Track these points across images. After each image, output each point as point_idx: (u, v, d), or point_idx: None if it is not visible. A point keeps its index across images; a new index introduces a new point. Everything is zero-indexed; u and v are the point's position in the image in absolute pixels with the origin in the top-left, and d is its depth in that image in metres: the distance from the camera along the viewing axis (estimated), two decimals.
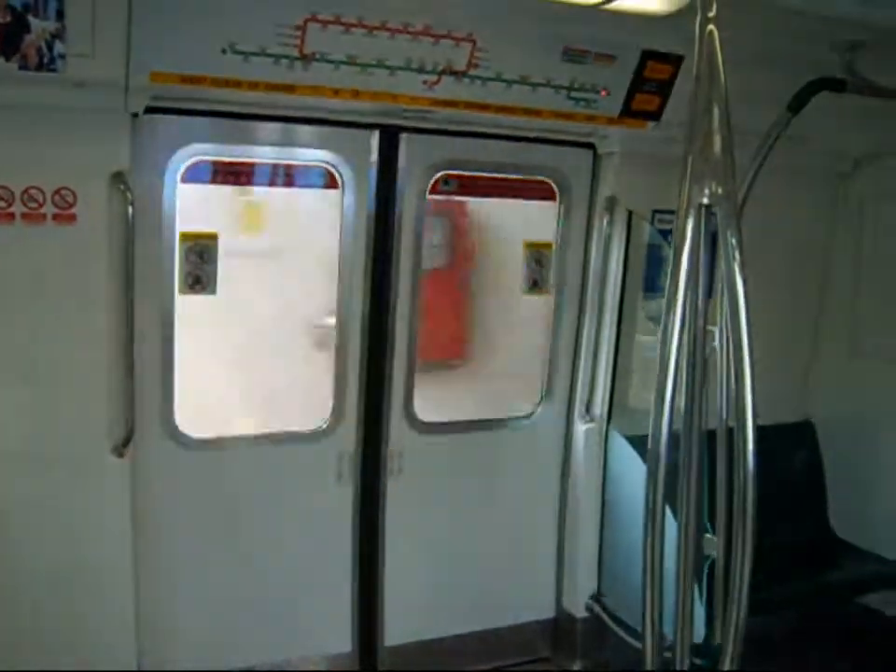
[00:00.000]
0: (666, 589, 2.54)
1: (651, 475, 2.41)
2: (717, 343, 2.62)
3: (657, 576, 2.44)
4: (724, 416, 2.86)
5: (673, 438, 2.46)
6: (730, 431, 2.69)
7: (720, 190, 2.38)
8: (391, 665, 4.63)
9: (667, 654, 2.67)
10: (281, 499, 4.30)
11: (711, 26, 2.38)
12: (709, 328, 2.55)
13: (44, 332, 3.57)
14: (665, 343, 2.41)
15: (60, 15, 3.16)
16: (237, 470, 4.18)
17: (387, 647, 4.63)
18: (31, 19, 3.14)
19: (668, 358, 2.40)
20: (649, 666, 2.53)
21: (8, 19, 3.12)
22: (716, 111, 2.37)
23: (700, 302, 2.48)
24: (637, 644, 4.22)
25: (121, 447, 3.75)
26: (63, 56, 3.22)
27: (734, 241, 2.38)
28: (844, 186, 5.18)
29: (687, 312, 2.41)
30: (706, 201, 2.38)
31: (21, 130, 3.36)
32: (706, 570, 2.93)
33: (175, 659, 4.11)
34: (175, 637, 4.13)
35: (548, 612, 5.01)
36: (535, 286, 4.71)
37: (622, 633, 4.55)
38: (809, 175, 4.90)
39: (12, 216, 3.41)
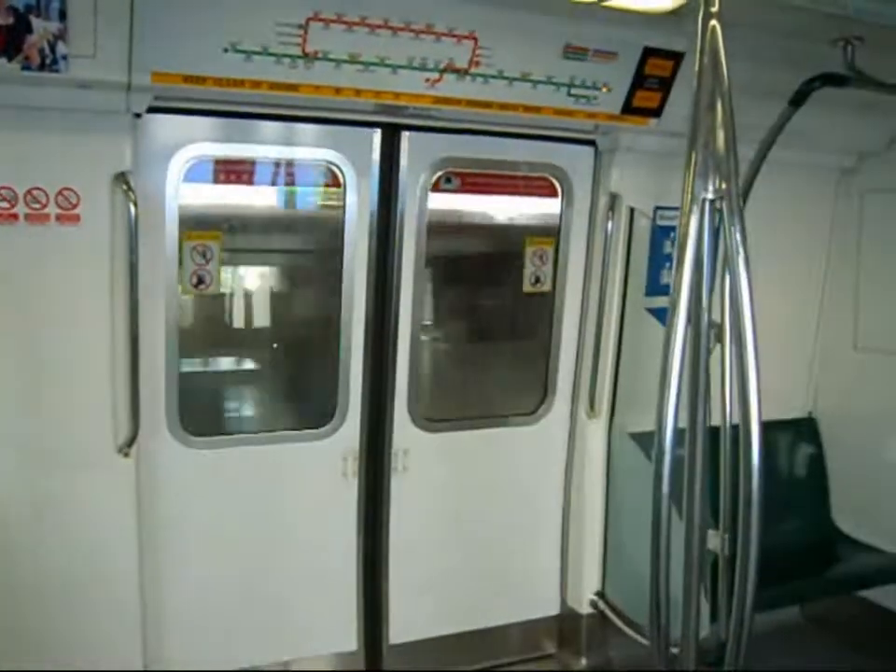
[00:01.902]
0: (671, 585, 2.55)
1: (657, 471, 2.41)
2: (722, 338, 2.62)
3: (665, 573, 2.45)
4: (728, 412, 2.86)
5: (677, 434, 2.47)
6: (734, 427, 2.69)
7: (723, 186, 2.39)
8: (396, 663, 4.63)
9: (674, 650, 2.68)
10: (286, 498, 4.30)
11: (714, 21, 2.39)
12: (714, 322, 2.56)
13: (48, 332, 3.57)
14: (669, 338, 2.41)
15: (62, 15, 3.15)
16: (242, 469, 4.18)
17: (392, 645, 4.63)
18: (33, 19, 3.13)
19: (673, 354, 2.41)
20: (657, 663, 2.54)
21: (11, 20, 3.11)
22: (719, 106, 2.38)
23: (704, 298, 2.48)
24: (642, 640, 4.28)
25: (126, 446, 3.76)
26: (65, 57, 3.21)
27: (738, 236, 2.39)
28: (845, 180, 5.18)
29: (691, 307, 2.42)
30: (710, 196, 2.39)
31: (24, 130, 3.37)
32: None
33: (181, 657, 4.12)
34: (181, 636, 4.14)
35: (552, 609, 5.01)
36: (537, 282, 4.71)
37: (626, 629, 4.55)
38: (811, 169, 4.91)
39: (16, 216, 3.42)
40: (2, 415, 3.56)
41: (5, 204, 3.39)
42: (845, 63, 3.80)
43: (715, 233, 2.49)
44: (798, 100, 3.89)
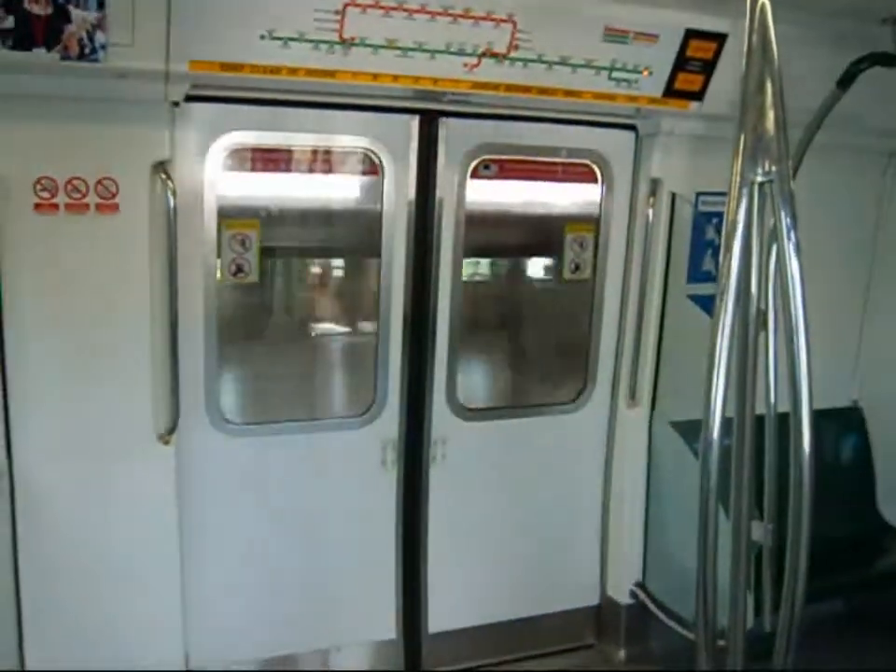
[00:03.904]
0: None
1: (704, 462, 2.37)
2: (770, 325, 2.56)
3: (712, 565, 2.40)
4: (774, 401, 2.81)
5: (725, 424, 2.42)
6: (780, 416, 2.64)
7: (773, 168, 2.33)
8: (435, 652, 4.63)
9: (720, 642, 2.64)
10: (324, 487, 4.31)
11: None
12: (762, 309, 2.50)
13: (89, 321, 3.60)
14: (716, 325, 2.36)
15: (100, 5, 3.16)
16: (281, 457, 4.19)
17: (431, 634, 4.63)
18: (72, 9, 3.14)
19: (721, 342, 2.36)
20: (703, 656, 2.50)
21: (50, 10, 3.12)
22: (769, 87, 2.32)
23: (753, 284, 2.43)
24: (682, 631, 4.24)
25: (167, 434, 3.78)
26: (104, 46, 3.22)
27: (788, 220, 2.33)
28: (894, 163, 5.06)
29: (740, 293, 2.37)
30: (759, 179, 2.33)
31: (64, 120, 3.38)
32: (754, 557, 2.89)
33: (221, 644, 4.16)
34: (221, 623, 4.16)
35: (592, 599, 4.98)
36: (577, 269, 4.66)
37: (666, 620, 4.52)
38: (858, 152, 4.79)
39: (56, 206, 3.44)
40: (44, 403, 3.59)
41: (45, 194, 3.41)
42: (894, 42, 3.71)
43: (762, 217, 2.43)
44: (846, 81, 3.81)
